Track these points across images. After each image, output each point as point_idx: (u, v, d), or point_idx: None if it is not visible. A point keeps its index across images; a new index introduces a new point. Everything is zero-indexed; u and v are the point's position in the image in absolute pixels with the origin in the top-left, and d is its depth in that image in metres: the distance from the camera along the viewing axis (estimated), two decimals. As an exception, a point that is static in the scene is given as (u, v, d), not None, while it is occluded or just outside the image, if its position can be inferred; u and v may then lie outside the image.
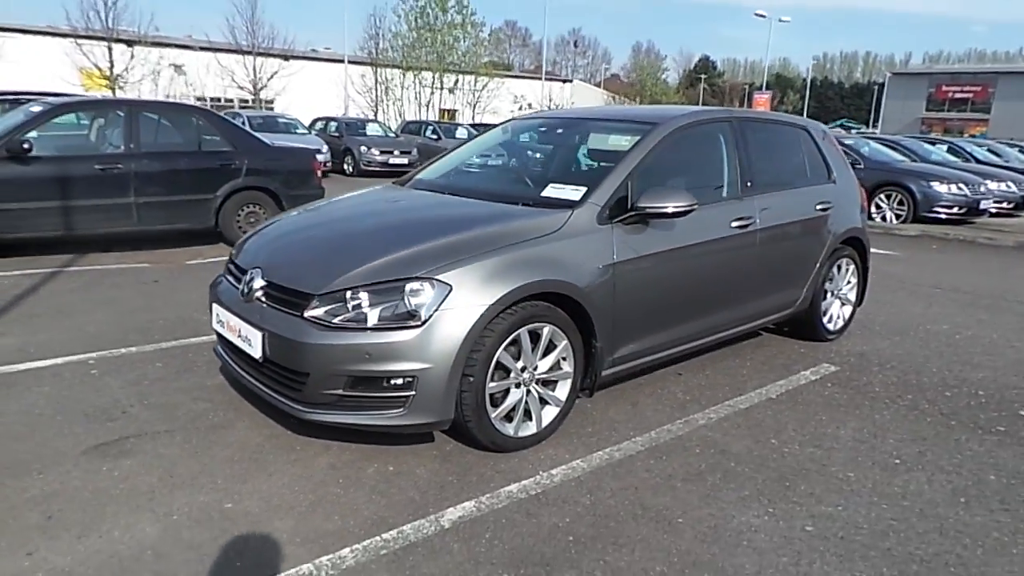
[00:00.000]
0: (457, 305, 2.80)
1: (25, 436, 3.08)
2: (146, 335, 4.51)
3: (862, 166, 12.29)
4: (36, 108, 6.83)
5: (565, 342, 3.18)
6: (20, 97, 9.18)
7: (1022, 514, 2.76)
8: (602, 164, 3.83)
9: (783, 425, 3.53)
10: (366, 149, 19.19)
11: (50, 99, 7.80)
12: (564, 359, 3.23)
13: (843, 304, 5.06)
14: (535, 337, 3.08)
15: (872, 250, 5.26)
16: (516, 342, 3.01)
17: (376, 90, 32.45)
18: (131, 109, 7.15)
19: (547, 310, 3.07)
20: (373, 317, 2.77)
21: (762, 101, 43.28)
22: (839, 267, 4.89)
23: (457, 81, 33.19)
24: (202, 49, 28.76)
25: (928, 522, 2.68)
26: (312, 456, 3.00)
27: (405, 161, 19.40)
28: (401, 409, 2.80)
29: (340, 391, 2.79)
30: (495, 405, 3.01)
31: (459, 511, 2.63)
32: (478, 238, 3.08)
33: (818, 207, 4.57)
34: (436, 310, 2.78)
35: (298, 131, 20.04)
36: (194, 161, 7.39)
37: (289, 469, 2.89)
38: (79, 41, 23.71)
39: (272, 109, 29.57)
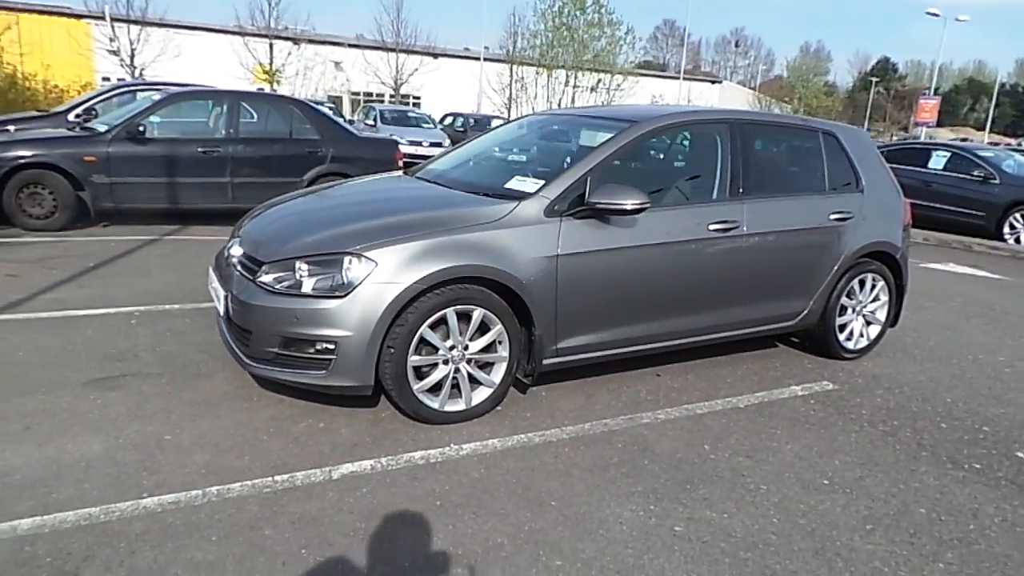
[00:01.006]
0: (380, 281, 3.05)
1: (50, 366, 3.71)
2: (193, 296, 5.15)
3: (997, 181, 11.11)
4: (155, 97, 7.87)
5: (499, 326, 3.33)
6: (146, 87, 10.52)
7: (925, 551, 2.57)
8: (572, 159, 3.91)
9: (728, 434, 3.45)
10: None
11: (170, 89, 8.93)
12: (500, 343, 3.38)
13: (869, 323, 4.74)
14: (466, 318, 3.26)
15: (977, 272, 4.88)
16: (445, 321, 3.21)
17: (511, 87, 33.24)
18: (233, 99, 8.04)
19: (478, 293, 3.24)
20: (308, 286, 3.09)
21: (928, 107, 39.45)
22: (862, 282, 4.59)
23: (600, 80, 33.27)
24: (351, 46, 30.99)
25: (810, 542, 2.58)
26: (262, 407, 3.37)
27: (524, 158, 19.83)
28: (324, 371, 3.10)
29: (276, 349, 3.14)
30: (420, 378, 3.23)
31: (354, 467, 2.89)
32: (419, 221, 3.31)
33: (832, 216, 4.33)
34: (360, 284, 3.05)
35: (425, 125, 21.11)
36: (284, 147, 8.16)
37: (236, 415, 3.28)
38: (244, 38, 26.47)
39: (418, 104, 31.22)
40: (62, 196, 7.12)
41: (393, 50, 30.14)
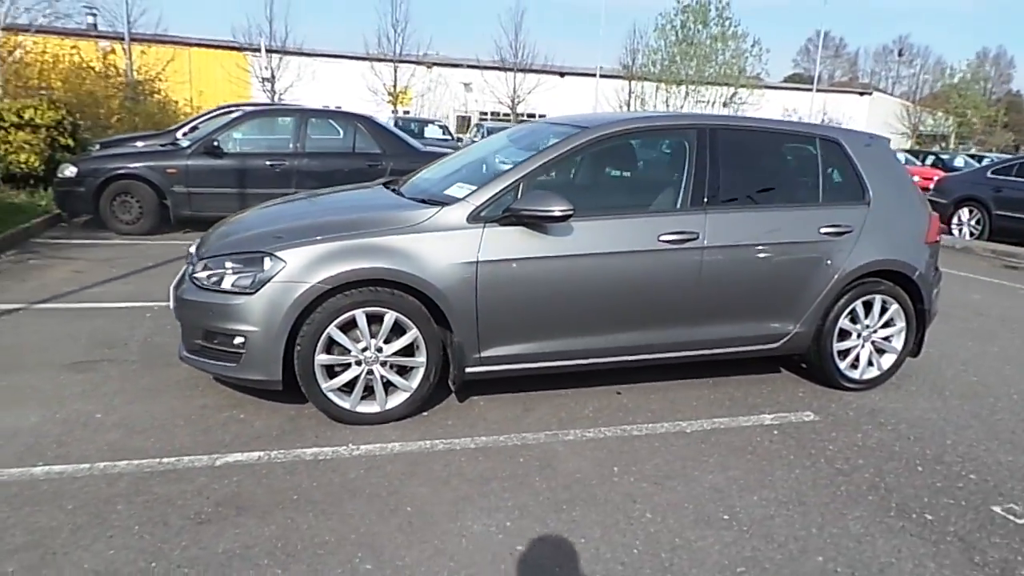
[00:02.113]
0: (286, 280, 3.17)
1: (48, 348, 4.16)
2: (215, 294, 5.56)
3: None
4: (233, 115, 8.61)
5: (414, 331, 3.33)
6: (232, 109, 11.45)
7: (788, 599, 2.26)
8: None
9: (650, 458, 3.22)
10: None
11: (247, 108, 9.71)
12: (418, 348, 3.38)
13: (881, 351, 4.23)
14: (378, 320, 3.29)
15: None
16: (356, 322, 3.26)
17: (630, 103, 32.98)
18: (301, 116, 8.63)
19: (389, 296, 3.27)
20: (228, 282, 3.26)
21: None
22: (868, 305, 4.11)
23: (724, 94, 32.38)
24: (470, 67, 32.09)
25: (626, 571, 2.35)
26: (200, 396, 3.58)
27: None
28: (236, 364, 3.25)
29: (200, 341, 3.34)
30: (333, 377, 3.31)
31: (242, 457, 3.00)
32: (340, 224, 3.41)
33: (824, 230, 3.93)
34: (269, 282, 3.18)
35: None
36: (347, 161, 8.61)
37: (172, 402, 3.51)
38: (372, 64, 28.29)
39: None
40: (147, 204, 7.96)
41: (511, 69, 30.88)
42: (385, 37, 28.84)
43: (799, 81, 43.99)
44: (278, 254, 3.22)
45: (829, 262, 3.95)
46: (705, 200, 3.75)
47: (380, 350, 3.34)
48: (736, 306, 3.85)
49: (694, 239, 3.66)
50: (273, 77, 27.32)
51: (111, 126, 15.24)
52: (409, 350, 3.38)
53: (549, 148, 3.64)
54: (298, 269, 3.18)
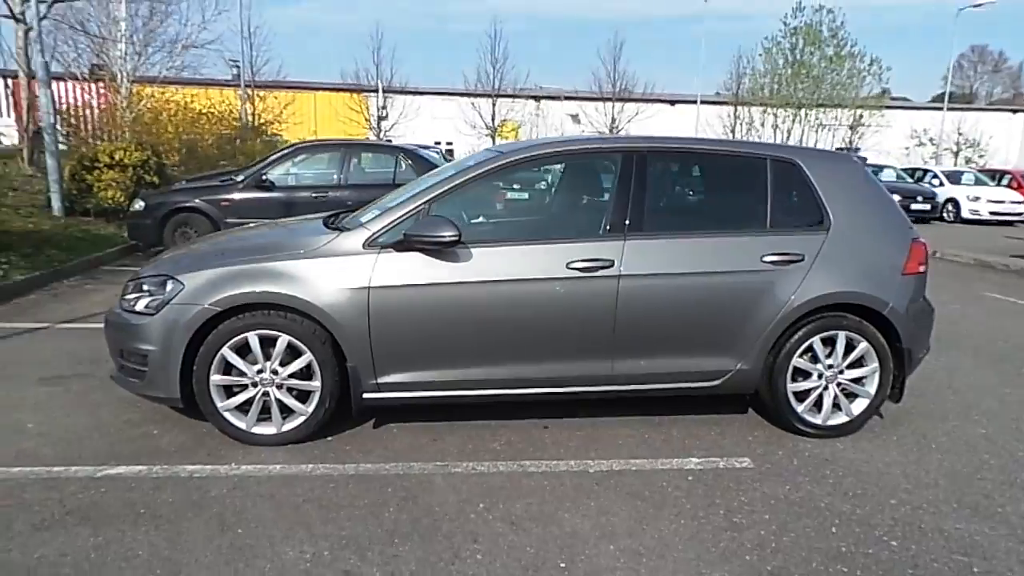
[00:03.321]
0: (183, 302, 3.33)
1: (37, 364, 4.58)
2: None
3: None
4: (283, 151, 9.19)
5: (308, 355, 3.38)
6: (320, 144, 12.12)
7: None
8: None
9: (524, 498, 3.04)
10: None
11: (300, 144, 10.29)
12: (313, 372, 3.42)
13: (850, 395, 3.78)
14: (273, 343, 3.37)
15: None
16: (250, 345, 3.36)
17: (735, 129, 31.89)
18: (346, 150, 9.07)
19: (283, 320, 3.34)
20: (141, 304, 3.47)
21: None
22: (829, 342, 3.69)
23: (861, 116, 30.66)
24: (567, 99, 32.36)
25: (434, 621, 2.21)
26: (130, 412, 3.77)
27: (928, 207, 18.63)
28: (140, 381, 3.44)
29: (119, 359, 3.56)
30: (230, 397, 3.41)
31: (124, 470, 3.15)
32: (249, 249, 3.55)
33: (768, 259, 3.59)
34: (168, 303, 3.35)
35: None
36: (387, 191, 8.90)
37: (103, 416, 3.75)
38: (471, 99, 29.30)
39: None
40: (203, 233, 8.62)
41: (609, 99, 30.82)
42: (485, 73, 29.90)
43: (952, 100, 40.28)
44: (179, 277, 3.39)
45: (774, 294, 3.59)
46: (626, 226, 3.55)
47: (276, 372, 3.40)
48: (662, 340, 3.59)
49: (608, 267, 3.47)
50: (385, 116, 28.94)
51: (218, 165, 16.76)
52: (307, 374, 3.43)
53: (458, 174, 3.60)
54: (193, 292, 3.33)
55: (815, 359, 3.72)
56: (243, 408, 3.43)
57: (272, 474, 3.17)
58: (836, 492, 3.18)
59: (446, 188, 3.54)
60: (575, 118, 34.45)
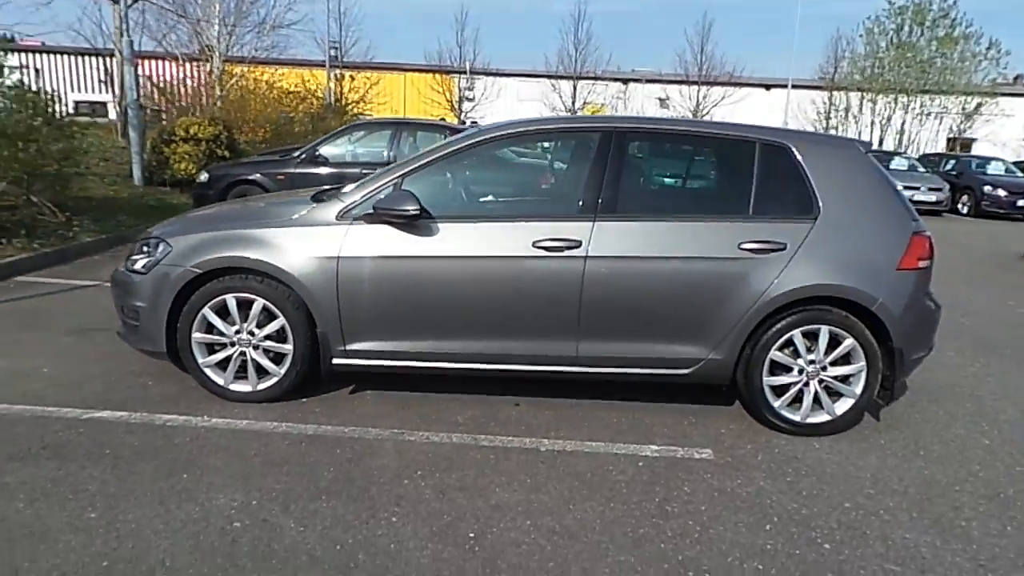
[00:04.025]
0: (170, 263, 3.57)
1: (72, 315, 5.02)
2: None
3: None
4: (341, 129, 9.52)
5: (281, 318, 3.56)
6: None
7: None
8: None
9: (464, 469, 3.10)
10: None
11: (355, 122, 10.57)
12: (287, 335, 3.59)
13: (834, 393, 3.61)
14: (249, 306, 3.56)
15: None
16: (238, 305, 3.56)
17: (831, 115, 30.23)
18: (396, 127, 9.29)
19: (258, 284, 3.53)
20: (139, 263, 3.74)
21: None
22: (811, 336, 3.53)
23: (979, 105, 28.52)
24: (649, 81, 31.55)
25: (310, 561, 2.31)
26: (136, 363, 4.05)
27: (932, 199, 17.02)
28: (135, 335, 3.72)
29: (121, 314, 3.86)
30: (212, 354, 3.64)
31: (107, 414, 3.44)
32: (237, 217, 3.74)
33: (746, 246, 3.46)
34: (158, 263, 3.60)
35: None
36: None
37: (111, 366, 4.07)
38: (552, 81, 29.14)
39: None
40: (259, 205, 9.09)
41: (695, 83, 29.82)
42: (568, 54, 29.67)
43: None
44: (168, 240, 3.63)
45: (750, 283, 3.46)
46: (598, 207, 3.50)
47: (252, 334, 3.60)
48: (629, 324, 3.53)
49: (575, 247, 3.44)
50: (464, 97, 29.28)
51: (305, 141, 17.53)
52: (281, 337, 3.60)
53: (433, 151, 3.66)
54: (179, 254, 3.56)
55: (796, 353, 3.56)
56: (222, 365, 3.65)
57: (237, 428, 3.37)
58: (789, 491, 3.06)
59: (419, 164, 3.60)
60: (663, 102, 33.59)
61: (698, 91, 29.69)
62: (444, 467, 3.11)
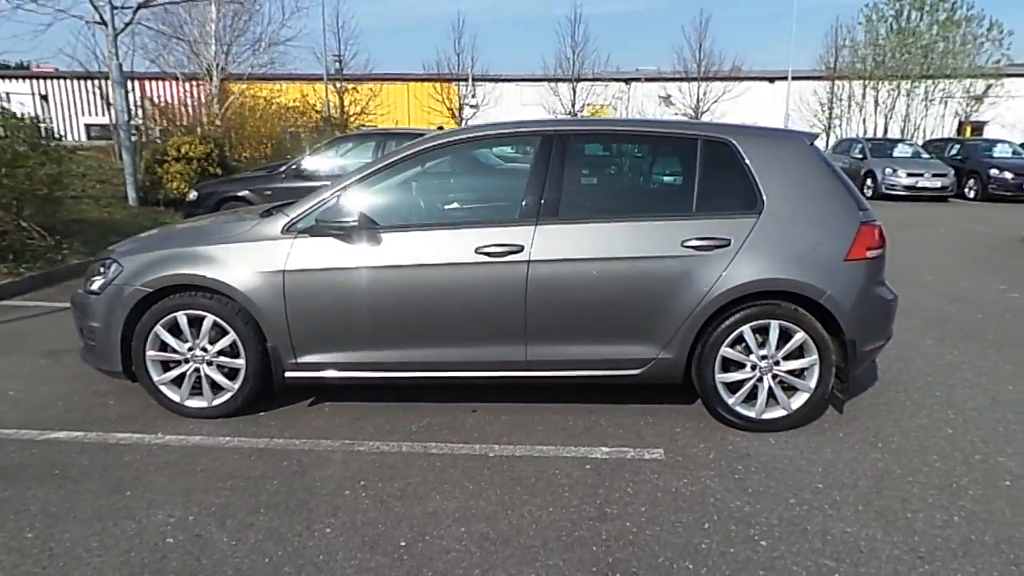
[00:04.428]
0: (122, 283, 3.61)
1: (53, 339, 5.09)
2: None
3: None
4: (327, 142, 9.57)
5: (231, 334, 3.59)
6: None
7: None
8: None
9: (408, 478, 3.11)
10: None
11: (341, 135, 10.63)
12: (238, 351, 3.62)
13: (789, 388, 3.58)
14: (200, 322, 3.60)
15: None
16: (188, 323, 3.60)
17: (833, 105, 29.95)
18: (380, 139, 9.36)
19: (208, 301, 3.56)
20: (95, 284, 3.78)
21: None
22: (761, 331, 3.50)
23: (988, 87, 28.15)
24: (649, 80, 31.43)
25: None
26: (103, 384, 4.11)
27: (938, 184, 17.20)
28: (93, 355, 3.77)
29: (81, 335, 3.91)
30: (167, 371, 3.68)
31: (63, 435, 3.48)
32: (188, 235, 3.79)
33: (689, 243, 3.44)
34: (111, 283, 3.65)
35: None
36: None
37: (78, 387, 4.12)
38: (551, 84, 29.15)
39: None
40: (247, 220, 9.18)
41: (694, 79, 29.68)
42: (565, 57, 29.69)
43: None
44: (120, 260, 3.68)
45: (695, 280, 3.44)
46: (539, 211, 3.50)
47: (205, 350, 3.63)
48: (575, 326, 3.53)
49: (517, 252, 3.44)
50: (464, 104, 29.38)
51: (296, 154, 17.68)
52: (234, 352, 3.63)
53: (375, 162, 3.68)
54: (129, 273, 3.61)
55: (748, 349, 3.53)
56: (177, 382, 3.69)
57: (188, 444, 3.40)
58: (735, 488, 3.04)
59: (361, 176, 3.63)
60: (667, 100, 33.43)
61: (698, 87, 29.54)
62: (388, 476, 3.12)
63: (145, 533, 2.64)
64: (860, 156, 19.14)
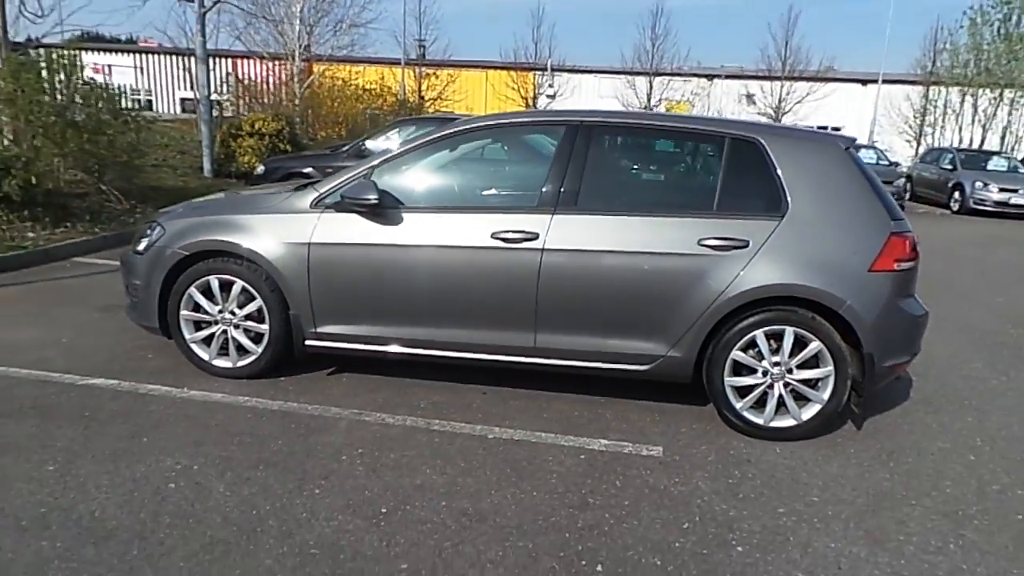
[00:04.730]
0: (162, 245, 3.86)
1: (109, 294, 5.45)
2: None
3: None
4: (389, 125, 9.80)
5: (259, 300, 3.78)
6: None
7: None
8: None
9: (405, 451, 3.21)
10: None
11: (403, 118, 10.82)
12: (264, 316, 3.81)
13: (801, 398, 3.49)
14: (231, 287, 3.81)
15: None
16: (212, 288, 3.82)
17: (927, 112, 28.33)
18: (441, 123, 9.46)
19: (238, 267, 3.77)
20: (141, 245, 4.05)
21: None
22: (774, 337, 3.42)
23: None
24: (729, 77, 30.49)
25: (224, 525, 2.48)
26: (143, 337, 4.37)
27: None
28: (135, 311, 4.04)
29: (127, 293, 4.19)
30: (198, 331, 3.91)
31: (100, 381, 3.76)
32: (229, 204, 4.03)
33: (706, 242, 3.39)
34: (153, 244, 3.90)
35: None
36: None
37: (123, 339, 4.43)
38: (628, 77, 28.76)
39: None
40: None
41: (777, 78, 28.59)
42: (644, 51, 29.22)
43: None
44: (163, 223, 3.93)
45: (709, 280, 3.40)
46: (558, 200, 3.53)
47: (234, 314, 3.84)
48: (585, 317, 3.54)
49: (532, 239, 3.48)
50: (539, 93, 29.39)
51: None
52: (260, 317, 3.83)
53: (404, 143, 3.78)
54: (170, 237, 3.85)
55: (760, 355, 3.46)
56: (207, 342, 3.91)
57: (209, 400, 3.62)
58: (726, 492, 3.00)
59: (388, 157, 3.74)
60: (750, 98, 32.37)
61: (781, 87, 28.46)
62: (386, 447, 3.23)
63: (151, 476, 2.84)
64: (949, 167, 18.09)
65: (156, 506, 2.64)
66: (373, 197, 3.48)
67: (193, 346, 3.91)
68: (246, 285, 3.76)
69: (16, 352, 4.11)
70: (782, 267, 3.36)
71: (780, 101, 28.90)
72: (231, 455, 3.06)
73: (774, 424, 3.51)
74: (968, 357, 5.08)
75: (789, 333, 3.40)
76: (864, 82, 31.51)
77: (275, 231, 3.71)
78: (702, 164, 3.62)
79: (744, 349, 3.46)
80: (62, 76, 7.72)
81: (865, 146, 21.86)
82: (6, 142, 7.54)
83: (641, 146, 3.73)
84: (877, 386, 3.56)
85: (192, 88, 15.49)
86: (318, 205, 3.71)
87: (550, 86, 32.40)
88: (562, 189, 3.53)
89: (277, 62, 18.91)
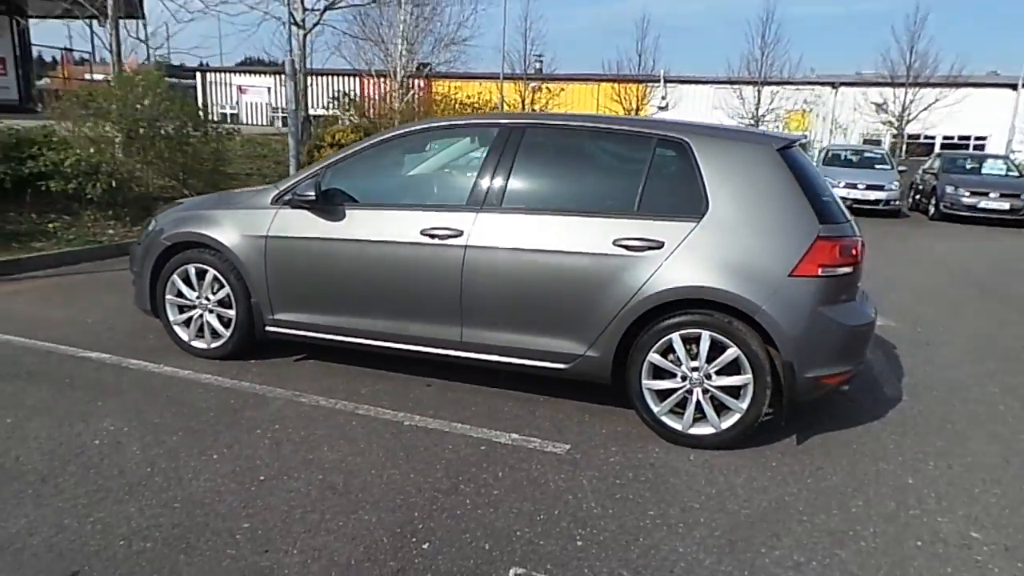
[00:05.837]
0: (152, 235, 4.35)
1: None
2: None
3: None
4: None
5: (227, 287, 4.17)
6: None
7: None
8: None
9: (312, 429, 3.43)
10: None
11: None
12: (231, 302, 4.20)
13: (721, 406, 3.37)
14: (204, 275, 4.22)
15: None
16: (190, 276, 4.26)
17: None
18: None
19: (210, 256, 4.18)
20: (143, 236, 4.58)
21: None
22: (690, 341, 3.34)
23: None
24: (844, 84, 28.55)
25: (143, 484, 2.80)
26: (154, 320, 4.96)
27: (1006, 206, 15.49)
28: (135, 295, 4.56)
29: (133, 280, 4.74)
30: (181, 314, 4.36)
31: (93, 355, 4.27)
32: (215, 201, 4.46)
33: (619, 242, 3.38)
34: (148, 236, 4.40)
35: (880, 166, 18.87)
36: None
37: (136, 318, 4.96)
38: (735, 87, 27.77)
39: (931, 144, 27.06)
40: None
41: (901, 84, 26.42)
42: (752, 59, 28.07)
43: None
44: (156, 217, 4.42)
45: (622, 281, 3.38)
46: (484, 199, 3.64)
47: (207, 299, 4.25)
48: (506, 314, 3.62)
49: (457, 236, 3.62)
50: (639, 106, 29.07)
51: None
52: (229, 303, 4.21)
53: (351, 146, 4.04)
54: (159, 228, 4.33)
55: (679, 359, 3.39)
56: (187, 324, 4.35)
57: (175, 376, 4.02)
58: (603, 492, 2.97)
59: (341, 157, 4.01)
60: (881, 107, 30.08)
61: (905, 93, 26.29)
62: (301, 426, 3.47)
63: (84, 434, 3.24)
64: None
65: (72, 457, 3.02)
66: (311, 194, 3.76)
67: (176, 328, 4.36)
68: (217, 274, 4.16)
69: (44, 327, 4.75)
70: (695, 269, 3.28)
71: (903, 109, 26.75)
72: (163, 422, 3.41)
73: (693, 431, 3.41)
74: (980, 380, 4.61)
75: (705, 337, 3.31)
76: (1014, 86, 28.53)
77: (240, 225, 4.08)
78: (628, 165, 3.59)
79: (663, 353, 3.40)
80: (151, 93, 8.70)
81: (994, 156, 19.91)
82: (117, 153, 8.58)
83: (570, 147, 3.76)
84: (806, 398, 3.38)
85: (307, 106, 17.00)
86: (277, 202, 4.04)
87: (663, 98, 31.99)
88: (488, 189, 3.64)
89: (383, 79, 20.06)
